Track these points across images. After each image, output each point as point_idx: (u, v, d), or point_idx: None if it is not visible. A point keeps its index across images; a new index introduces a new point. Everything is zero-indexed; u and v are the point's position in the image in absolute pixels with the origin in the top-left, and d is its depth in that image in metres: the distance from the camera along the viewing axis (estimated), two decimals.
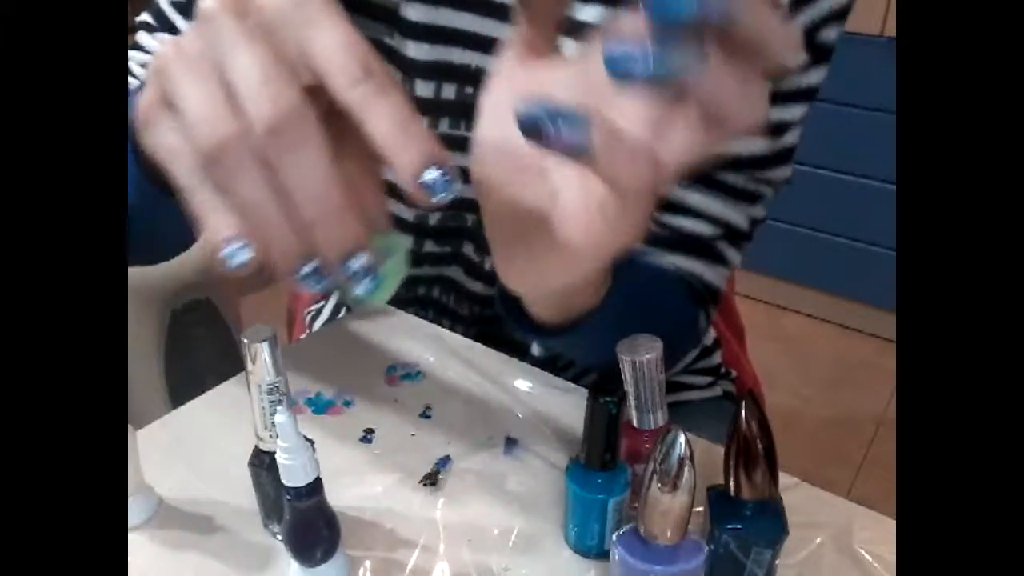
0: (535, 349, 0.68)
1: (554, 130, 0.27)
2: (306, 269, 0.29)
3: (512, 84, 0.35)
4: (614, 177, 0.28)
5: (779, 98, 0.56)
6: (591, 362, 0.44)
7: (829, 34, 0.54)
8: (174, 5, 0.58)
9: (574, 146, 0.27)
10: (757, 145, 0.57)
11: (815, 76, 0.56)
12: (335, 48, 0.28)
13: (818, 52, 0.54)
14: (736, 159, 0.57)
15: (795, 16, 0.52)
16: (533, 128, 0.27)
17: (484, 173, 0.36)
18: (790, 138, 0.58)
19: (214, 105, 0.27)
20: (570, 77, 0.33)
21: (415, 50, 0.55)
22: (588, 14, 0.52)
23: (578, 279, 0.36)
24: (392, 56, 0.56)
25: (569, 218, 0.33)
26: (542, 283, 0.36)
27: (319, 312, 0.83)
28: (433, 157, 0.28)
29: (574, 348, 0.51)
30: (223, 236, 0.28)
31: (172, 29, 0.58)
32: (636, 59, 0.25)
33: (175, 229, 0.45)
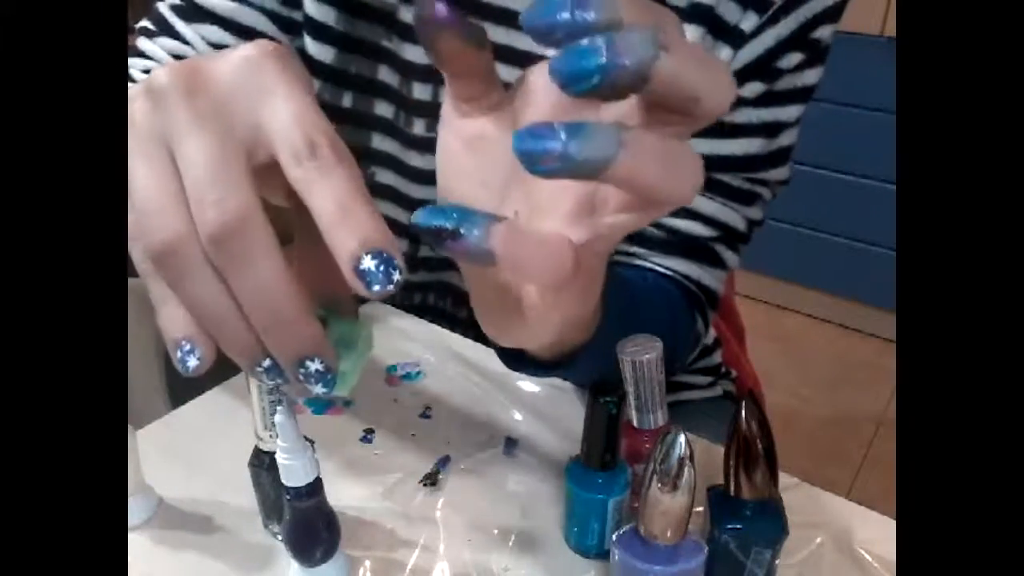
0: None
1: (452, 239, 0.26)
2: (263, 365, 0.28)
3: (456, 138, 0.33)
4: (528, 277, 0.27)
5: (775, 98, 0.56)
6: (589, 382, 0.44)
7: (823, 32, 0.54)
8: (174, 9, 0.58)
9: (475, 253, 0.26)
10: (754, 145, 0.57)
11: (811, 76, 0.56)
12: (284, 122, 0.26)
13: (813, 51, 0.54)
14: (732, 159, 0.57)
15: (787, 15, 0.52)
16: (430, 236, 0.26)
17: None
18: (786, 138, 0.58)
19: (162, 197, 0.26)
20: (495, 148, 0.31)
21: (413, 53, 0.55)
22: (528, 43, 0.52)
23: (552, 337, 0.35)
24: (391, 59, 0.56)
25: (504, 298, 0.32)
26: (520, 340, 0.35)
27: None
28: (372, 243, 0.26)
29: (572, 376, 0.51)
30: (174, 337, 0.28)
31: (173, 34, 0.58)
32: (547, 151, 0.23)
33: None
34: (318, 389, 0.28)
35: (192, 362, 0.28)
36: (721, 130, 0.56)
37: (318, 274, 0.29)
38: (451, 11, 0.27)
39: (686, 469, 0.35)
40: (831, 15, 0.53)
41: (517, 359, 0.46)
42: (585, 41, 0.23)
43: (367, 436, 0.56)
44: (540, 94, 0.30)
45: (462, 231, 0.25)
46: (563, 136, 0.23)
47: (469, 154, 0.32)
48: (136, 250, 0.28)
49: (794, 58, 0.54)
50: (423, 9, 0.27)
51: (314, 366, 0.27)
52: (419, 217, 0.26)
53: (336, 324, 0.30)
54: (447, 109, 0.32)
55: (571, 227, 0.28)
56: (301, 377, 0.27)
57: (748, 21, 0.52)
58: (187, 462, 0.53)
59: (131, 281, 0.29)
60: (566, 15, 0.23)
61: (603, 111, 0.28)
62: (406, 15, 0.54)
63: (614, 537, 0.39)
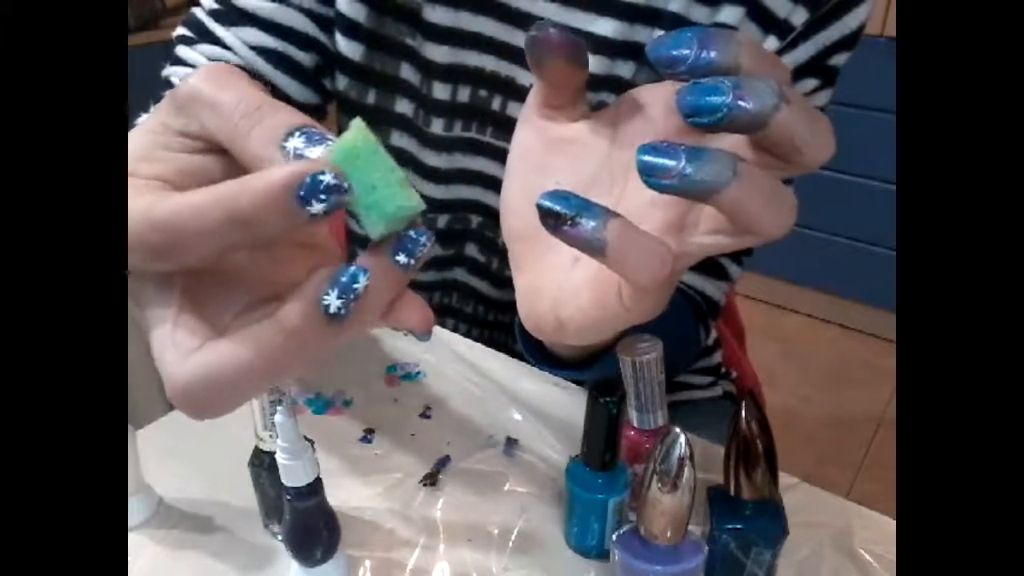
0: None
1: (570, 225, 0.27)
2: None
3: (538, 137, 0.35)
4: (625, 273, 0.28)
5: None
6: (599, 379, 0.45)
7: (839, 60, 0.54)
8: (212, 14, 0.57)
9: (588, 241, 0.27)
10: None
11: (822, 98, 0.56)
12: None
13: (827, 77, 0.55)
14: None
15: (806, 41, 0.52)
16: (550, 218, 0.28)
17: (512, 224, 0.36)
18: None
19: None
20: (586, 153, 0.33)
21: (434, 52, 0.55)
22: (603, 28, 0.52)
23: (593, 340, 0.36)
24: (413, 57, 0.57)
25: (581, 294, 0.33)
26: (570, 342, 0.36)
27: None
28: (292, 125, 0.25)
29: (583, 376, 0.52)
30: None
31: (213, 39, 0.57)
32: (669, 168, 0.25)
33: None
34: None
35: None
36: None
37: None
38: (564, 36, 0.29)
39: (686, 469, 0.35)
40: (848, 43, 0.53)
41: (540, 355, 0.46)
42: (715, 80, 0.25)
43: (367, 436, 0.56)
44: (651, 113, 0.32)
45: (580, 219, 0.27)
46: (684, 157, 0.25)
47: (551, 154, 0.34)
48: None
49: (809, 84, 0.54)
50: (538, 32, 0.29)
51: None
52: (543, 199, 0.28)
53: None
54: (532, 109, 0.34)
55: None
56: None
57: (769, 45, 0.52)
58: (187, 462, 0.53)
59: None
60: (690, 51, 0.26)
61: (711, 141, 0.29)
62: (431, 14, 0.54)
63: (614, 537, 0.39)
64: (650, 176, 0.26)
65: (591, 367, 0.46)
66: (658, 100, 0.32)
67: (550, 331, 0.36)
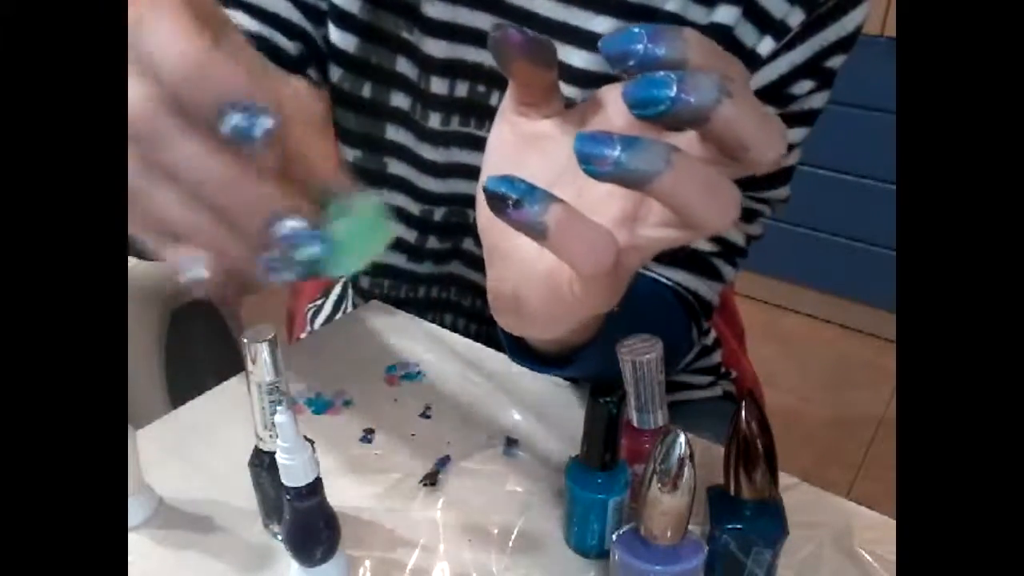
0: None
1: (513, 208, 0.28)
2: (262, 260, 0.27)
3: (512, 132, 0.36)
4: (571, 260, 0.29)
5: (783, 121, 0.56)
6: (590, 377, 0.46)
7: (835, 61, 0.54)
8: None
9: (530, 224, 0.28)
10: None
11: (818, 100, 0.56)
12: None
13: (823, 78, 0.55)
14: (738, 179, 0.57)
15: (803, 42, 0.52)
16: (495, 201, 0.28)
17: (483, 215, 0.36)
18: (790, 159, 0.59)
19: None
20: (555, 148, 0.34)
21: (433, 47, 0.55)
22: (601, 25, 0.52)
23: (560, 334, 0.37)
24: (410, 51, 0.57)
25: (538, 283, 0.34)
26: (531, 333, 0.37)
27: (320, 308, 0.83)
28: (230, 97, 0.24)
29: (569, 373, 0.52)
30: (173, 260, 0.27)
31: (242, 4, 0.56)
32: (604, 155, 0.26)
33: None
34: (312, 250, 0.26)
35: (198, 268, 0.27)
36: None
37: (295, 169, 0.28)
38: (524, 37, 0.30)
39: (686, 469, 0.35)
40: (845, 45, 0.53)
41: (521, 351, 0.46)
42: (660, 74, 0.26)
43: (367, 436, 0.56)
44: (610, 110, 0.33)
45: (524, 202, 0.28)
46: (619, 146, 0.26)
47: (524, 149, 0.35)
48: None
49: (806, 85, 0.54)
50: (498, 33, 0.30)
51: (291, 223, 0.26)
52: (490, 183, 0.28)
53: (333, 202, 0.28)
54: (507, 105, 0.35)
55: (614, 231, 0.30)
56: (285, 242, 0.26)
57: (765, 46, 0.52)
58: (187, 462, 0.53)
59: (131, 280, 0.29)
60: (640, 47, 0.27)
61: (670, 138, 0.29)
62: (429, 9, 0.54)
63: (614, 537, 0.39)
64: (587, 164, 0.27)
65: (570, 365, 0.46)
66: (618, 95, 0.33)
67: (512, 321, 0.37)
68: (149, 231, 0.27)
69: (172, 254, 0.27)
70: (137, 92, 0.25)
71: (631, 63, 0.27)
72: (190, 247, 0.27)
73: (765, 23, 0.51)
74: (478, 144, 0.59)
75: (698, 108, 0.26)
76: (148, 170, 0.26)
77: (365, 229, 0.28)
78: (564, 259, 0.29)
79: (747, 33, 0.52)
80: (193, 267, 0.27)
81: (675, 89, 0.26)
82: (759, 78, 0.53)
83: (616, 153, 0.26)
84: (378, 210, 0.29)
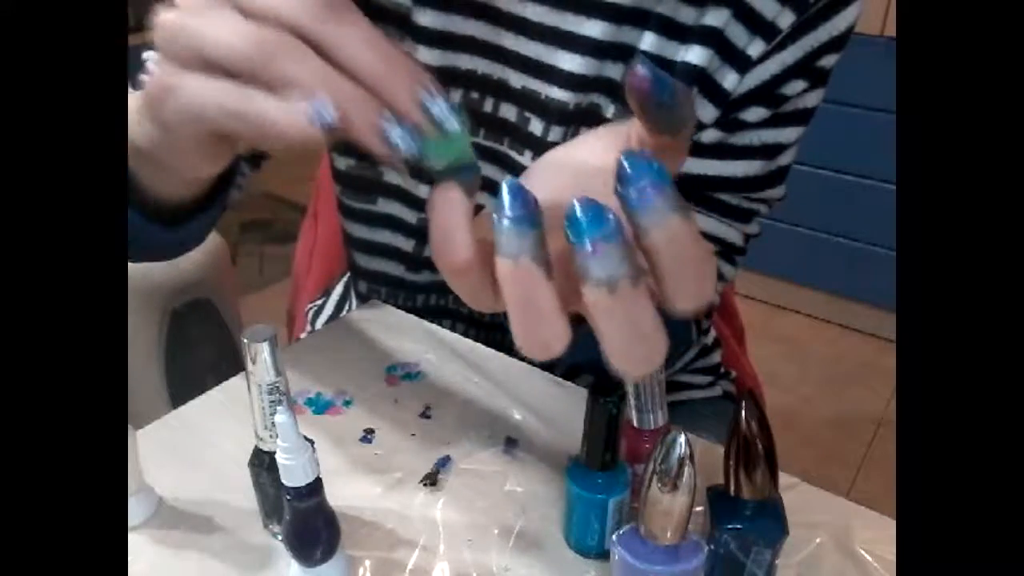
0: None
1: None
2: (393, 127, 0.29)
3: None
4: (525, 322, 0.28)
5: (776, 121, 0.56)
6: (583, 360, 0.45)
7: (828, 61, 0.54)
8: None
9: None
10: (753, 167, 0.57)
11: (812, 99, 0.56)
12: None
13: (816, 78, 0.55)
14: (732, 180, 0.57)
15: (794, 43, 0.52)
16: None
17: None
18: (785, 159, 0.59)
19: (240, 24, 0.28)
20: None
21: (425, 55, 0.55)
22: (592, 29, 0.52)
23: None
24: None
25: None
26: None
27: (321, 308, 0.83)
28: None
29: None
30: (303, 109, 0.28)
31: None
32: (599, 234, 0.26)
33: (164, 249, 0.48)
34: (449, 123, 0.29)
35: (328, 112, 0.28)
36: (723, 152, 0.56)
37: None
38: (642, 72, 0.28)
39: (686, 469, 0.35)
40: (836, 44, 0.53)
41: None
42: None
43: (367, 436, 0.56)
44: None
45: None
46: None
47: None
48: (221, 94, 0.29)
49: (798, 85, 0.54)
50: (627, 76, 0.29)
51: (432, 90, 0.29)
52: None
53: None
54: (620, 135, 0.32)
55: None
56: (428, 112, 0.29)
57: (755, 47, 0.52)
58: (187, 462, 0.53)
59: (131, 280, 0.29)
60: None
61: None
62: (421, 17, 0.54)
63: (614, 537, 0.39)
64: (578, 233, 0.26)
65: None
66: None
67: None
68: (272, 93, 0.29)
69: (297, 106, 0.28)
70: None
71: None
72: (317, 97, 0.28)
73: (756, 24, 0.51)
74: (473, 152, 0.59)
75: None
76: (277, 38, 0.28)
77: (467, 132, 0.31)
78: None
79: (738, 35, 0.52)
80: (324, 112, 0.28)
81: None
82: (750, 79, 0.53)
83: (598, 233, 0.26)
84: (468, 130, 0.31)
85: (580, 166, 0.32)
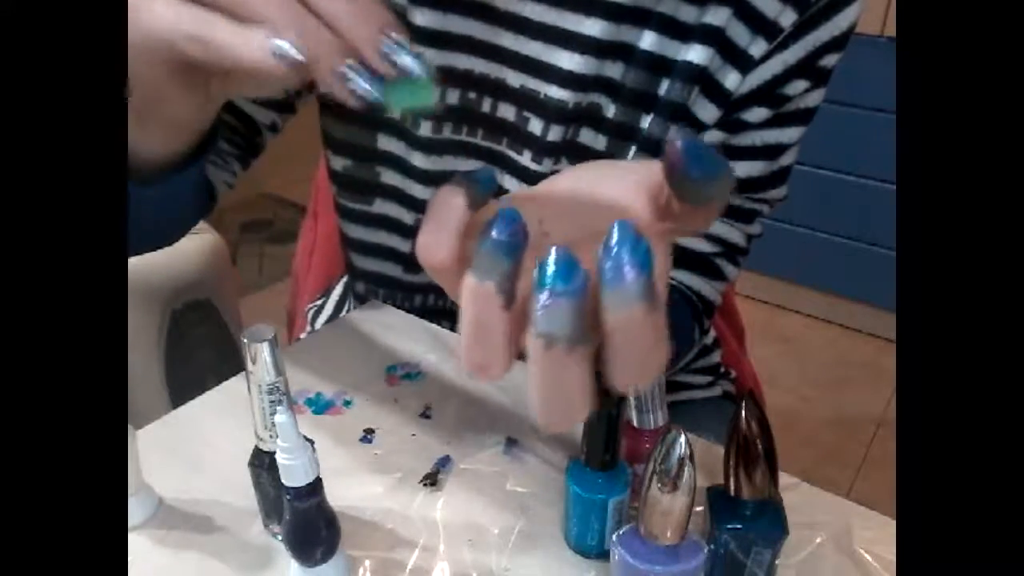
0: None
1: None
2: (352, 70, 0.30)
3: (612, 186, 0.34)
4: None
5: (778, 121, 0.56)
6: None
7: (829, 60, 0.54)
8: None
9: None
10: (756, 167, 0.57)
11: (813, 99, 0.56)
12: None
13: (818, 77, 0.55)
14: (735, 181, 0.57)
15: (796, 42, 0.52)
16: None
17: None
18: (787, 159, 0.59)
19: None
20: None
21: None
22: (591, 28, 0.52)
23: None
24: None
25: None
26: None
27: (321, 308, 0.83)
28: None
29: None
30: (265, 40, 0.29)
31: None
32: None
33: (152, 217, 0.49)
34: (404, 60, 0.31)
35: (289, 49, 0.30)
36: (725, 153, 0.57)
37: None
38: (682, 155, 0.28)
39: (686, 469, 0.35)
40: (838, 44, 0.53)
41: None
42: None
43: (367, 436, 0.56)
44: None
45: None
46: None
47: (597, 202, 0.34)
48: (192, 20, 0.31)
49: (800, 85, 0.54)
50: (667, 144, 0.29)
51: (395, 36, 0.30)
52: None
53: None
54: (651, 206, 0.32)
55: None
56: (388, 50, 0.30)
57: (757, 47, 0.52)
58: (187, 462, 0.53)
59: (131, 280, 0.30)
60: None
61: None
62: (417, 17, 0.54)
63: (614, 537, 0.39)
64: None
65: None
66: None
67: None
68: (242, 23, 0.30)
69: (261, 39, 0.30)
70: None
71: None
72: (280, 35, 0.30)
73: (757, 24, 0.51)
74: (470, 152, 0.59)
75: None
76: None
77: (430, 77, 0.32)
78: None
79: (739, 34, 0.52)
80: (288, 48, 0.30)
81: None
82: (753, 79, 0.53)
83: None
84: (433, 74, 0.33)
85: (601, 200, 0.32)
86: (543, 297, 0.25)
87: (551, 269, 0.25)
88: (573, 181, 0.33)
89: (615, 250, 0.25)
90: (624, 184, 0.32)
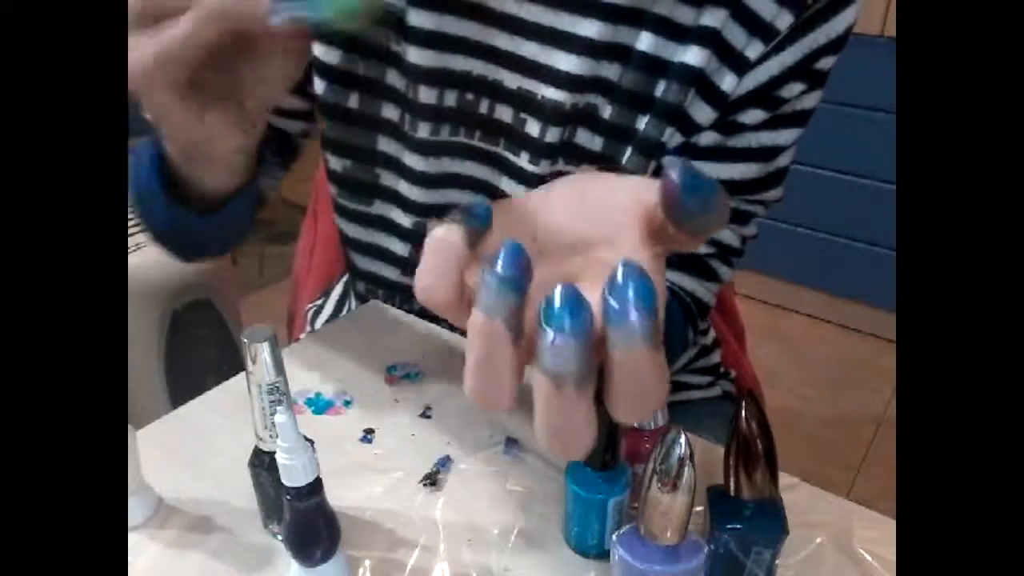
0: None
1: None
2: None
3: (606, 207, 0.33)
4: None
5: (774, 123, 0.56)
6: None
7: (826, 63, 0.54)
8: None
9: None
10: (751, 170, 0.57)
11: (810, 101, 0.56)
12: None
13: (814, 80, 0.55)
14: (730, 183, 0.57)
15: (792, 44, 0.52)
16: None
17: None
18: (783, 160, 0.59)
19: None
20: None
21: (419, 56, 0.55)
22: (588, 29, 0.52)
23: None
24: (398, 62, 0.56)
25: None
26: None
27: (320, 309, 0.83)
28: None
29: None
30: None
31: None
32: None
33: (217, 237, 0.56)
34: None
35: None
36: (720, 154, 0.56)
37: None
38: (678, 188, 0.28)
39: (686, 469, 0.35)
40: (835, 47, 0.53)
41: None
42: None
43: (367, 436, 0.56)
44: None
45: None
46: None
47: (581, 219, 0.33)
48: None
49: (796, 87, 0.54)
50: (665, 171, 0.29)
51: None
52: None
53: None
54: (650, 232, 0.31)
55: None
56: None
57: (753, 49, 0.52)
58: (187, 462, 0.53)
59: (131, 280, 0.30)
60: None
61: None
62: (414, 18, 0.54)
63: (614, 537, 0.39)
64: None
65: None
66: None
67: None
68: None
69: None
70: None
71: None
72: None
73: (754, 25, 0.51)
74: (468, 153, 0.59)
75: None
76: None
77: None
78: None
79: (736, 36, 0.52)
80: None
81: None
82: (748, 81, 0.53)
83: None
84: None
85: (598, 217, 0.32)
86: (549, 337, 0.25)
87: (558, 309, 0.25)
88: (567, 194, 0.33)
89: (620, 289, 0.25)
90: (619, 200, 0.32)
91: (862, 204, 1.81)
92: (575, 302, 0.25)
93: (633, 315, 0.25)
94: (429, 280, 0.29)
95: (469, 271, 0.29)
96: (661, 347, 0.26)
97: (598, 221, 0.31)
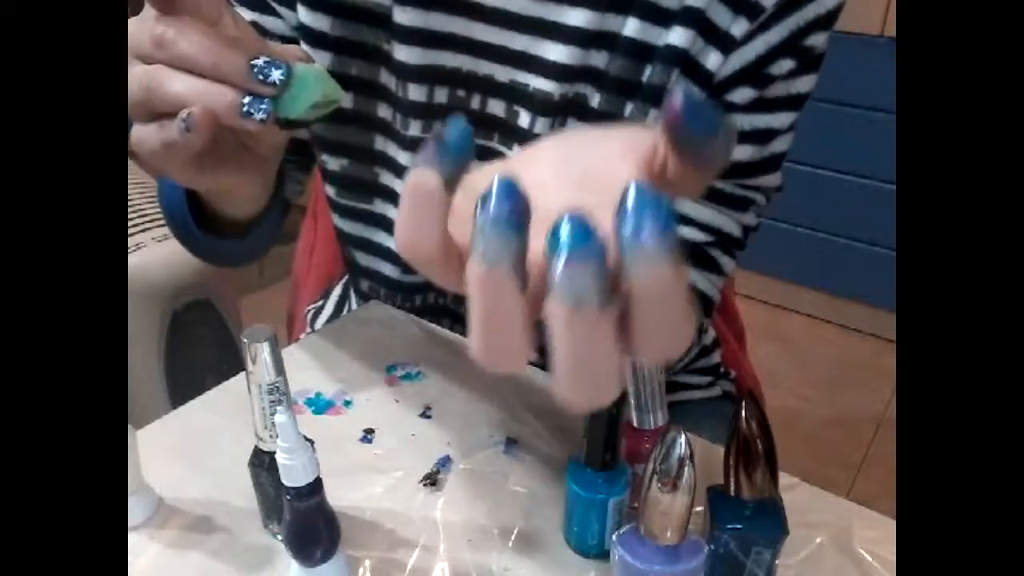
0: None
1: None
2: (245, 101, 0.35)
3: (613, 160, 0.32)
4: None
5: (767, 105, 0.56)
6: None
7: (816, 40, 0.54)
8: None
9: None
10: (745, 152, 0.57)
11: (804, 83, 0.56)
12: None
13: (805, 58, 0.54)
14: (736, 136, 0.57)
15: (779, 22, 0.52)
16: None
17: None
18: (779, 145, 0.58)
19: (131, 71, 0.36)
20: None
21: (406, 54, 0.55)
22: (576, 18, 0.52)
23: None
24: (387, 61, 0.56)
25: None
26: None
27: (320, 310, 0.83)
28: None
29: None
30: (178, 119, 0.35)
31: (263, 7, 0.58)
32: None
33: (251, 250, 0.61)
34: (277, 73, 0.35)
35: (192, 118, 0.35)
36: None
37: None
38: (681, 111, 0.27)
39: (686, 469, 0.35)
40: (824, 23, 0.53)
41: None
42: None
43: (367, 436, 0.56)
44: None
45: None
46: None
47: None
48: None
49: (785, 65, 0.54)
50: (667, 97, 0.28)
51: (260, 61, 0.35)
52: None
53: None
54: (650, 156, 0.30)
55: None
56: (258, 72, 0.35)
57: (738, 27, 0.52)
58: (187, 462, 0.53)
59: (131, 280, 0.30)
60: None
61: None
62: (400, 15, 0.54)
63: (614, 537, 0.39)
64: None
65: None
66: None
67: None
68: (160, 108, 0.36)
69: (174, 121, 0.35)
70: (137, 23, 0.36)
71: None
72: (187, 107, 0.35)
73: (738, 4, 0.51)
74: None
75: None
76: (157, 71, 0.35)
77: (317, 76, 0.37)
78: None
79: (720, 15, 0.52)
80: (188, 118, 0.35)
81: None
82: (735, 60, 0.53)
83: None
84: (324, 73, 0.38)
85: (588, 170, 0.30)
86: (561, 261, 0.23)
87: (567, 234, 0.23)
88: (557, 150, 0.32)
89: (634, 212, 0.23)
90: (611, 151, 0.30)
91: (862, 204, 1.81)
92: (583, 226, 0.23)
93: (654, 233, 0.23)
94: (409, 235, 0.26)
95: (454, 217, 0.26)
96: (682, 266, 0.23)
97: (591, 172, 0.30)
